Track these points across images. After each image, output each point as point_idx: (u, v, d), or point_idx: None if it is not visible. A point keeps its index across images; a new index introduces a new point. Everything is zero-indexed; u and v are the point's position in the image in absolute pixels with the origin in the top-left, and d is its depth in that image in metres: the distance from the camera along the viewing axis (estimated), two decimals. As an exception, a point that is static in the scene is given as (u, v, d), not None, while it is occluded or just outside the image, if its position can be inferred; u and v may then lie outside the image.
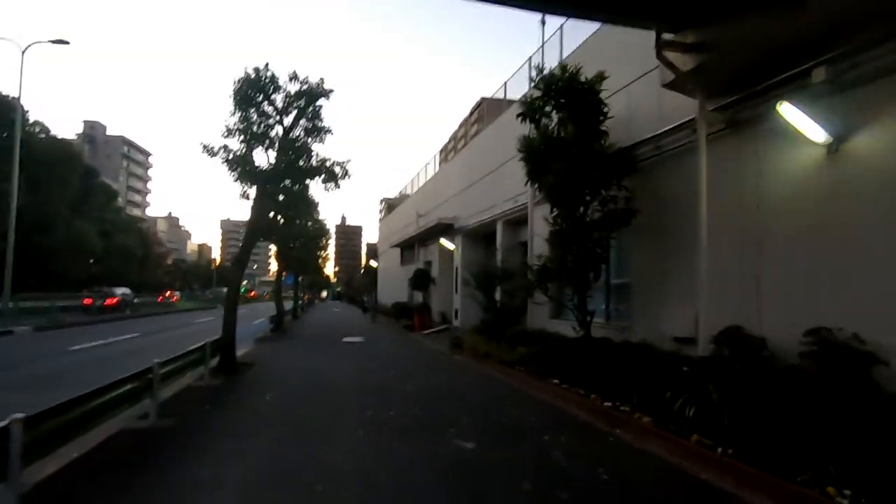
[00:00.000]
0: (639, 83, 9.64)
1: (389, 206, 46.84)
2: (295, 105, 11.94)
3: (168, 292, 53.85)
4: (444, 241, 21.30)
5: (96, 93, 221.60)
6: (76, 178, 49.87)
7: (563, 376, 8.79)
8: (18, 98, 22.26)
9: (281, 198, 13.31)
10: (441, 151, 37.98)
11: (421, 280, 23.79)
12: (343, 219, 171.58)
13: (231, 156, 11.35)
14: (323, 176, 12.31)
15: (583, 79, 9.15)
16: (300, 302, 40.45)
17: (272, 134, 11.94)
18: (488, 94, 28.80)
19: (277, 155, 11.66)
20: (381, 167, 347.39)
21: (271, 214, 13.48)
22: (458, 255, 20.95)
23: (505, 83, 18.51)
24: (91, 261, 49.12)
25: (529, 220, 14.01)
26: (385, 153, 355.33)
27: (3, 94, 41.70)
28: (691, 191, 7.40)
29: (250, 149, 11.50)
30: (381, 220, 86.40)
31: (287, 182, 12.50)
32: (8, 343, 17.12)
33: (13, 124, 43.75)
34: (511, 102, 17.52)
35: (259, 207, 11.80)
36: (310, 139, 12.06)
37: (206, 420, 6.87)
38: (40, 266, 41.83)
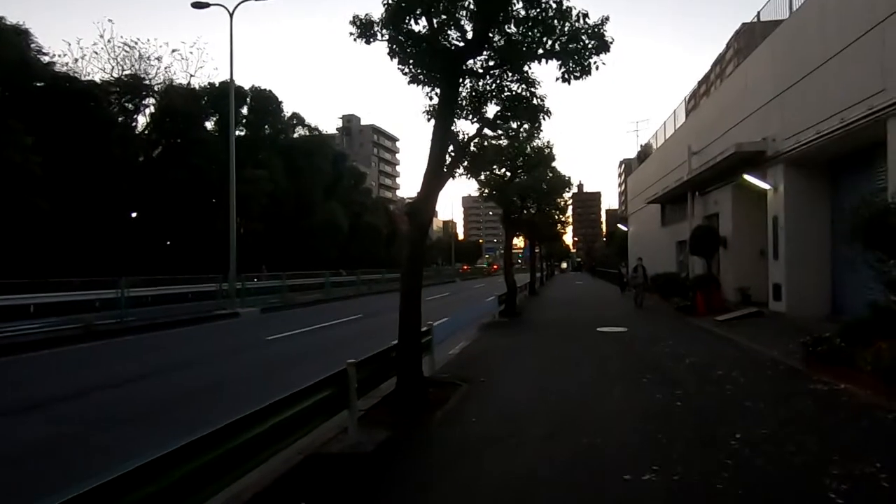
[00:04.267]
0: None
1: (639, 157, 38.90)
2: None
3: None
4: (749, 179, 13.72)
5: (346, 85, 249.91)
6: (328, 163, 53.36)
7: None
8: (231, 70, 20.70)
9: (489, 111, 7.90)
10: (689, 99, 30.29)
11: (704, 242, 16.49)
12: (580, 185, 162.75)
13: (400, 33, 6.39)
14: (559, 47, 6.60)
15: None
16: (538, 275, 35.79)
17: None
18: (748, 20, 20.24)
19: (475, 16, 6.34)
20: (612, 128, 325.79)
21: (465, 136, 8.13)
22: (775, 197, 13.24)
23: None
24: (344, 240, 52.07)
25: None
26: (614, 113, 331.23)
27: (262, 88, 45.67)
28: None
29: (432, 18, 6.37)
30: (624, 179, 77.09)
31: (493, 72, 7.14)
32: (222, 329, 15.68)
33: (273, 115, 48.42)
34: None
35: (445, 122, 6.68)
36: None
37: None
38: (301, 245, 45.23)
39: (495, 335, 12.90)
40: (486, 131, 8.57)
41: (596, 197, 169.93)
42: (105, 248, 27.83)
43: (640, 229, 33.07)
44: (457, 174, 8.13)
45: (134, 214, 35.18)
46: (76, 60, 37.13)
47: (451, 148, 7.93)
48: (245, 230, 40.10)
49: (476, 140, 8.18)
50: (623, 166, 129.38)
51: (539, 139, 17.60)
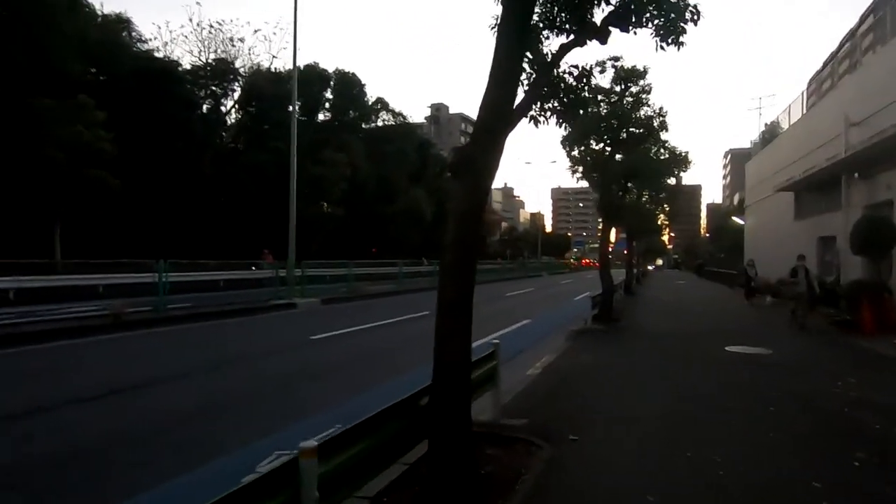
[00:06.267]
0: None
1: (763, 138, 33.56)
2: None
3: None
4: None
5: (436, 74, 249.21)
6: (413, 150, 51.79)
7: None
8: (294, 43, 18.69)
9: (596, 15, 5.04)
10: (811, 82, 24.87)
11: (874, 237, 12.44)
12: (678, 178, 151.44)
13: None
14: None
15: None
16: (636, 272, 31.91)
17: None
18: None
19: None
20: (711, 119, 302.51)
21: (551, 54, 5.16)
22: None
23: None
24: (428, 227, 50.22)
25: None
26: (712, 102, 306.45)
27: (346, 71, 44.54)
28: None
29: None
30: (729, 170, 69.69)
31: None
32: (268, 322, 13.89)
33: (356, 99, 47.34)
34: None
35: (520, 15, 3.88)
36: None
37: None
38: (381, 231, 43.87)
39: (589, 349, 9.97)
40: (592, 69, 5.66)
41: (696, 191, 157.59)
42: (181, 230, 27.56)
43: (764, 222, 28.15)
44: (543, 118, 5.30)
45: (222, 199, 35.33)
46: (166, 44, 37.90)
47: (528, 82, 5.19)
48: (325, 214, 39.30)
49: (569, 63, 5.29)
50: (729, 157, 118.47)
51: (648, 105, 14.31)
